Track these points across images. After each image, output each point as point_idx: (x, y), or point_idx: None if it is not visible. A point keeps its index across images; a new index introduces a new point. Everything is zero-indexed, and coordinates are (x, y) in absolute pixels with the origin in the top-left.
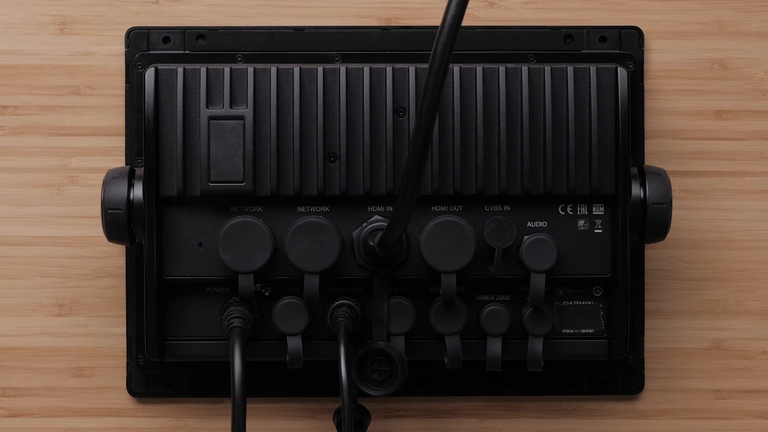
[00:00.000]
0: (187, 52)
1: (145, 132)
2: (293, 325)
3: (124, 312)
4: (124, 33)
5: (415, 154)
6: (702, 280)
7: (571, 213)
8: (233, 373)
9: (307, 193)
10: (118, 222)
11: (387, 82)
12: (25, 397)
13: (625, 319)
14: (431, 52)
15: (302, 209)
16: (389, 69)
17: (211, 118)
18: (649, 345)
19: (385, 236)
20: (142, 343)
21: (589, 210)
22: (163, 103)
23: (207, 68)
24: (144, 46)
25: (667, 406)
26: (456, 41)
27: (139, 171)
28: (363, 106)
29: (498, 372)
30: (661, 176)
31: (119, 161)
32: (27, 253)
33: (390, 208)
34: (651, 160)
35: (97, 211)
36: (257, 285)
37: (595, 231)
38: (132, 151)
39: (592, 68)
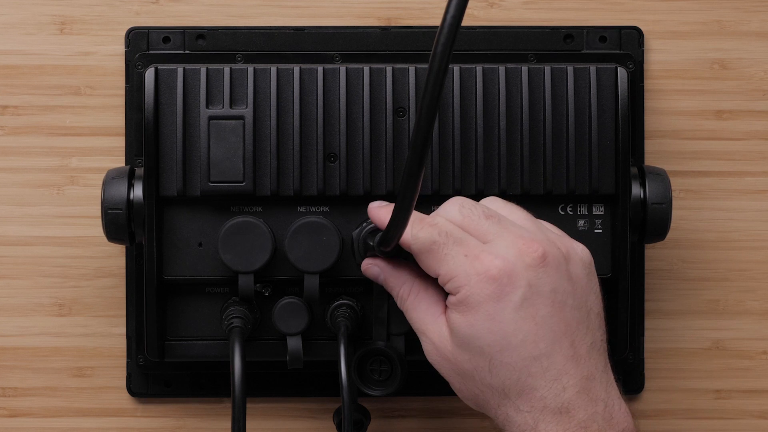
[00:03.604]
0: (187, 52)
1: (145, 132)
2: (293, 325)
3: (124, 312)
4: (124, 33)
5: (416, 154)
6: (702, 280)
7: (571, 213)
8: (233, 373)
9: (307, 193)
10: (118, 222)
11: (387, 82)
12: (25, 397)
13: (625, 319)
14: (431, 53)
15: (302, 209)
16: (389, 69)
17: (211, 118)
18: (649, 345)
19: (385, 236)
20: (142, 343)
21: (589, 210)
22: (163, 103)
23: (207, 68)
24: (144, 46)
25: (667, 406)
26: (456, 42)
27: (139, 171)
28: (363, 106)
29: None
30: (661, 176)
31: (119, 161)
32: (27, 253)
33: None
34: (651, 160)
35: (97, 211)
36: (257, 285)
37: (595, 231)
38: (132, 151)
39: (592, 68)
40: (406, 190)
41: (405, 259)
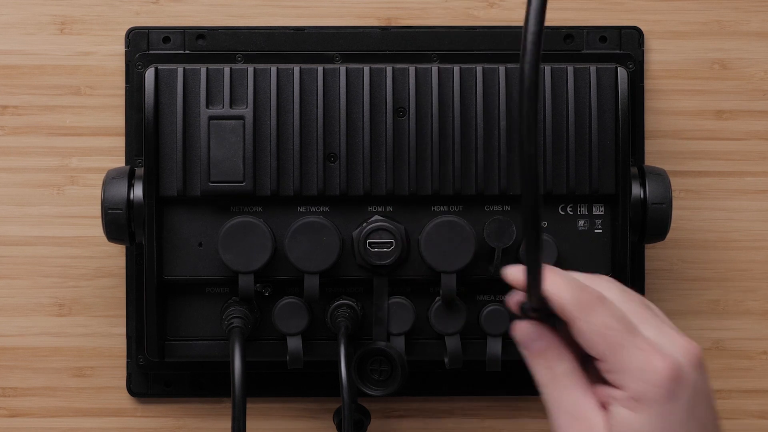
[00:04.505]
0: (187, 52)
1: (145, 132)
2: (293, 325)
3: (124, 312)
4: (124, 33)
5: (529, 187)
6: (702, 280)
7: (571, 213)
8: (233, 373)
9: (307, 193)
10: (118, 222)
11: (387, 82)
12: (25, 397)
13: None
14: (521, 47)
15: (302, 209)
16: (389, 69)
17: (211, 118)
18: None
19: (531, 290)
20: (142, 343)
21: (589, 210)
22: (163, 103)
23: (207, 68)
24: (144, 46)
25: None
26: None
27: (139, 171)
28: (363, 106)
29: (498, 372)
30: (661, 176)
31: (119, 161)
32: (27, 253)
33: (390, 208)
34: (651, 160)
35: (97, 211)
36: (257, 285)
37: (595, 231)
38: (132, 151)
39: (592, 68)
40: (531, 229)
41: (553, 324)
